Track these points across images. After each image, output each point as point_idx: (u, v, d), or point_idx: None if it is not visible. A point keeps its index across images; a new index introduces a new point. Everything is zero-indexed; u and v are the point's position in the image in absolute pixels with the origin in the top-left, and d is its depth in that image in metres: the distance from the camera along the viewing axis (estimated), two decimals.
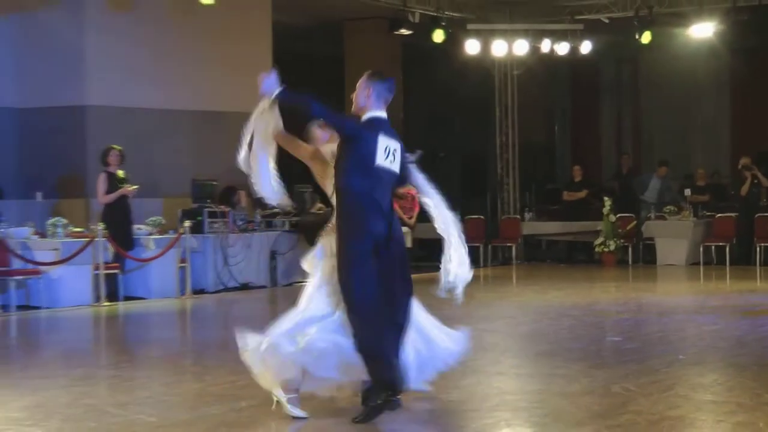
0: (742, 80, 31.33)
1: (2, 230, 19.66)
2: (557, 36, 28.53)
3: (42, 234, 20.37)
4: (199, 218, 22.31)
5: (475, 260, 27.79)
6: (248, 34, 25.85)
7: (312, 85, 31.42)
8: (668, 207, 27.55)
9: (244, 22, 25.53)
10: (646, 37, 27.13)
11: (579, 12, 28.27)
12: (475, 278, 24.37)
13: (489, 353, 14.21)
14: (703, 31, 26.92)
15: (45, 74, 23.88)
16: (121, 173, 20.78)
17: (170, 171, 24.21)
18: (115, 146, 21.03)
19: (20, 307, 19.45)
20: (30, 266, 19.37)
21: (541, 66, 30.13)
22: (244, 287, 21.70)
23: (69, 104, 23.71)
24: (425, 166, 29.06)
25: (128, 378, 13.15)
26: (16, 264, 19.35)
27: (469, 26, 28.32)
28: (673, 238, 27.06)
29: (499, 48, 28.78)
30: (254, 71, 24.98)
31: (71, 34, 23.75)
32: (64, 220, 20.70)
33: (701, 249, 27.05)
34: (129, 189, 20.70)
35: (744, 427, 9.06)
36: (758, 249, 26.49)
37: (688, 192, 27.92)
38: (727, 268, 25.92)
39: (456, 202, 31.74)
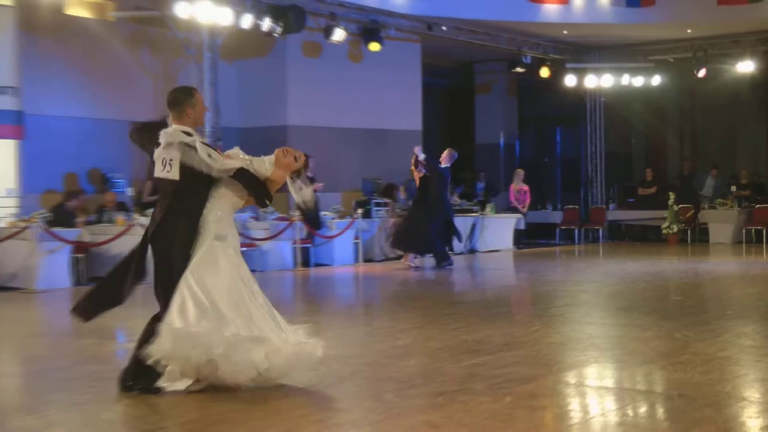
0: None
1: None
2: (634, 71, 28.37)
3: (256, 218, 20.54)
4: (368, 207, 22.50)
5: (571, 238, 27.84)
6: (405, 70, 25.87)
7: (449, 110, 31.65)
8: (719, 200, 27.40)
9: (403, 61, 25.53)
10: (701, 72, 27.24)
11: (651, 53, 28.16)
12: (571, 252, 24.45)
13: (582, 307, 14.43)
14: (745, 67, 26.79)
15: (258, 102, 24.07)
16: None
17: (347, 172, 24.35)
18: (307, 155, 21.15)
19: None
20: (248, 241, 19.50)
21: (622, 94, 29.88)
22: (399, 258, 21.55)
23: (276, 124, 23.91)
24: (534, 169, 28.00)
25: (316, 323, 13.20)
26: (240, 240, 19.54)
27: (568, 65, 28.14)
28: (722, 222, 26.84)
29: (590, 81, 28.71)
30: (409, 98, 25.12)
31: (277, 73, 24.02)
32: (273, 208, 20.91)
33: (743, 231, 26.80)
34: (316, 186, 20.83)
35: None
36: None
37: (734, 188, 27.67)
38: (764, 246, 25.56)
39: (556, 195, 31.88)
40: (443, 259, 20.18)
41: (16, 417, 7.65)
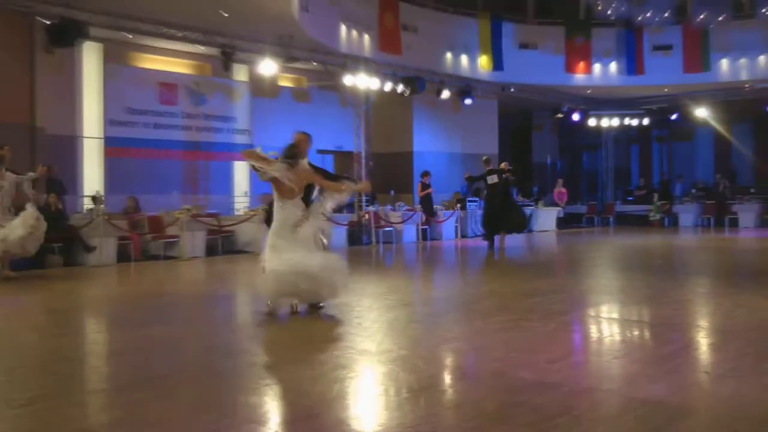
0: None
1: (376, 208, 20.14)
2: (631, 116, 28.39)
3: (393, 210, 20.72)
4: (465, 202, 22.44)
5: (592, 224, 27.27)
6: (487, 115, 25.90)
7: (515, 141, 31.38)
8: (685, 198, 27.38)
9: (485, 110, 25.52)
10: (674, 116, 27.56)
11: (642, 104, 28.04)
12: (592, 233, 24.22)
13: (599, 267, 14.14)
14: (701, 112, 26.80)
15: (393, 136, 24.15)
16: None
17: (453, 180, 24.37)
18: (427, 172, 21.35)
19: (386, 243, 19.73)
20: (385, 223, 19.73)
21: (623, 131, 29.65)
22: (484, 236, 21.34)
23: (405, 150, 24.10)
24: (569, 179, 26.69)
25: (431, 275, 13.51)
26: (382, 223, 19.80)
27: (591, 112, 27.91)
28: (687, 213, 26.42)
29: (604, 122, 28.43)
30: (489, 133, 24.79)
31: (404, 114, 24.12)
32: (403, 203, 21.17)
33: (701, 219, 26.41)
34: (430, 190, 20.97)
35: None
36: None
37: (693, 191, 27.82)
38: (712, 228, 25.03)
39: (583, 195, 31.30)
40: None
41: (249, 329, 7.96)
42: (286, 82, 22.17)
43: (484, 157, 18.32)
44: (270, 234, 8.39)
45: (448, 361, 6.26)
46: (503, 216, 17.77)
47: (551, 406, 4.69)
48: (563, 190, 26.77)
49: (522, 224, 18.83)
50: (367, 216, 19.73)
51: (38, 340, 7.39)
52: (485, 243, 18.04)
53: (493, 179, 17.82)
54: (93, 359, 6.76)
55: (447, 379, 5.64)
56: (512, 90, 24.48)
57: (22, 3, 14.36)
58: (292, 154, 8.41)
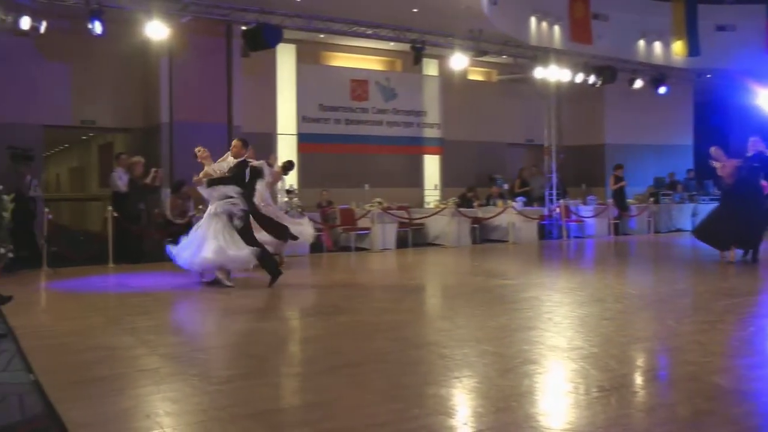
0: None
1: (567, 202, 19.82)
2: None
3: (583, 203, 20.33)
4: (657, 196, 21.69)
5: None
6: (681, 104, 24.80)
7: (707, 135, 29.51)
8: None
9: (679, 98, 24.44)
10: None
11: None
12: None
13: None
14: None
15: (583, 127, 23.55)
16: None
17: (643, 174, 23.50)
18: (620, 165, 20.83)
19: (576, 237, 19.47)
20: (575, 218, 19.38)
21: None
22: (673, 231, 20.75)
23: (595, 143, 23.57)
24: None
25: (622, 269, 13.19)
26: (573, 217, 19.48)
27: None
28: None
29: None
30: (684, 122, 23.69)
31: (596, 105, 23.47)
32: (595, 197, 20.74)
33: None
34: (623, 184, 20.44)
35: None
36: None
37: None
38: None
39: None
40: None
41: (438, 321, 8.01)
42: (475, 75, 22.22)
43: (712, 148, 13.75)
44: None
45: (640, 361, 6.08)
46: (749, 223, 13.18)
47: (750, 418, 4.47)
48: None
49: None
50: (557, 210, 19.46)
51: (236, 324, 7.82)
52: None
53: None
54: (287, 344, 7.09)
55: (639, 380, 5.46)
56: (709, 76, 23.29)
57: (220, 11, 15.14)
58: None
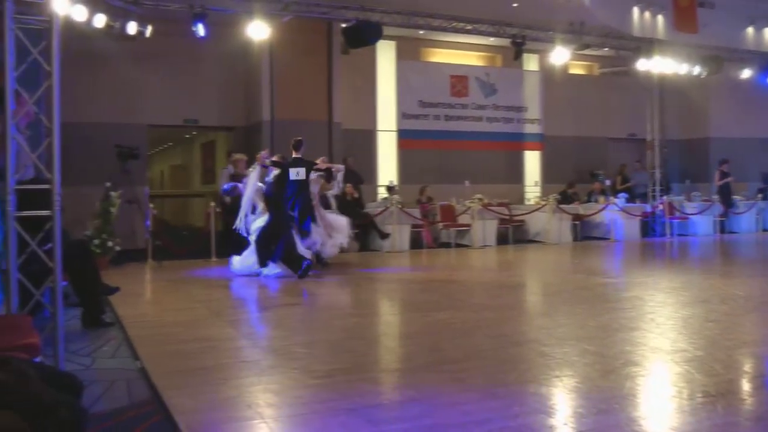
0: None
1: (670, 198, 19.33)
2: None
3: (688, 199, 19.79)
4: (765, 190, 20.89)
5: None
6: None
7: None
8: None
9: None
10: None
11: None
12: None
13: None
14: None
15: (685, 121, 22.90)
16: None
17: (750, 168, 22.64)
18: (726, 159, 20.19)
19: (680, 235, 18.97)
20: (679, 215, 18.87)
21: None
22: None
23: (699, 137, 22.86)
24: None
25: (723, 268, 12.85)
26: (677, 214, 18.99)
27: None
28: None
29: None
30: None
31: (701, 97, 22.73)
32: (699, 193, 20.18)
33: None
34: (729, 179, 19.82)
35: None
36: None
37: None
38: None
39: None
40: None
41: (538, 319, 7.92)
42: (576, 69, 21.86)
43: None
44: None
45: (748, 366, 5.86)
46: None
47: None
48: None
49: None
50: (660, 206, 19.01)
51: (337, 319, 7.91)
52: None
53: None
54: (386, 340, 7.15)
55: (746, 386, 5.26)
56: None
57: (320, 9, 15.31)
58: None
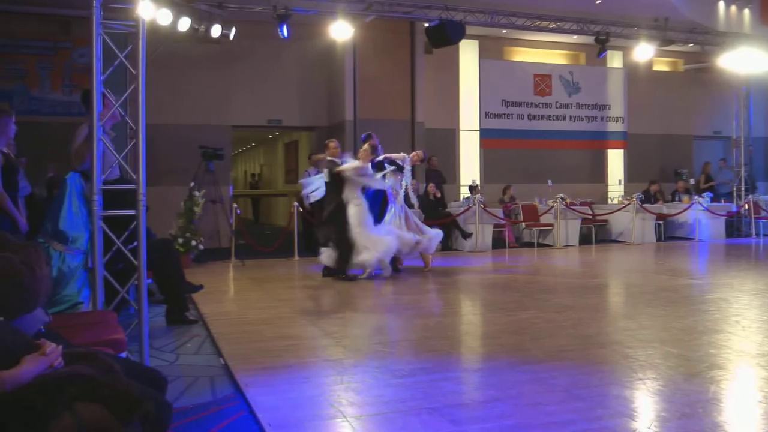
0: None
1: (757, 197, 18.78)
2: None
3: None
4: None
5: None
6: None
7: None
8: None
9: None
10: None
11: None
12: None
13: None
14: None
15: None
16: None
17: None
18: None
19: (766, 235, 18.36)
20: (766, 214, 18.26)
21: None
22: None
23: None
24: None
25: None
26: (763, 214, 18.39)
27: None
28: None
29: None
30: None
31: None
32: None
33: None
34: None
35: None
36: None
37: None
38: None
39: None
40: None
41: (621, 320, 7.75)
42: (660, 66, 21.45)
43: None
44: None
45: None
46: None
47: None
48: None
49: None
50: (746, 206, 18.45)
51: (418, 319, 7.91)
52: None
53: None
54: (469, 339, 7.14)
55: None
56: None
57: (403, 9, 15.32)
58: None
